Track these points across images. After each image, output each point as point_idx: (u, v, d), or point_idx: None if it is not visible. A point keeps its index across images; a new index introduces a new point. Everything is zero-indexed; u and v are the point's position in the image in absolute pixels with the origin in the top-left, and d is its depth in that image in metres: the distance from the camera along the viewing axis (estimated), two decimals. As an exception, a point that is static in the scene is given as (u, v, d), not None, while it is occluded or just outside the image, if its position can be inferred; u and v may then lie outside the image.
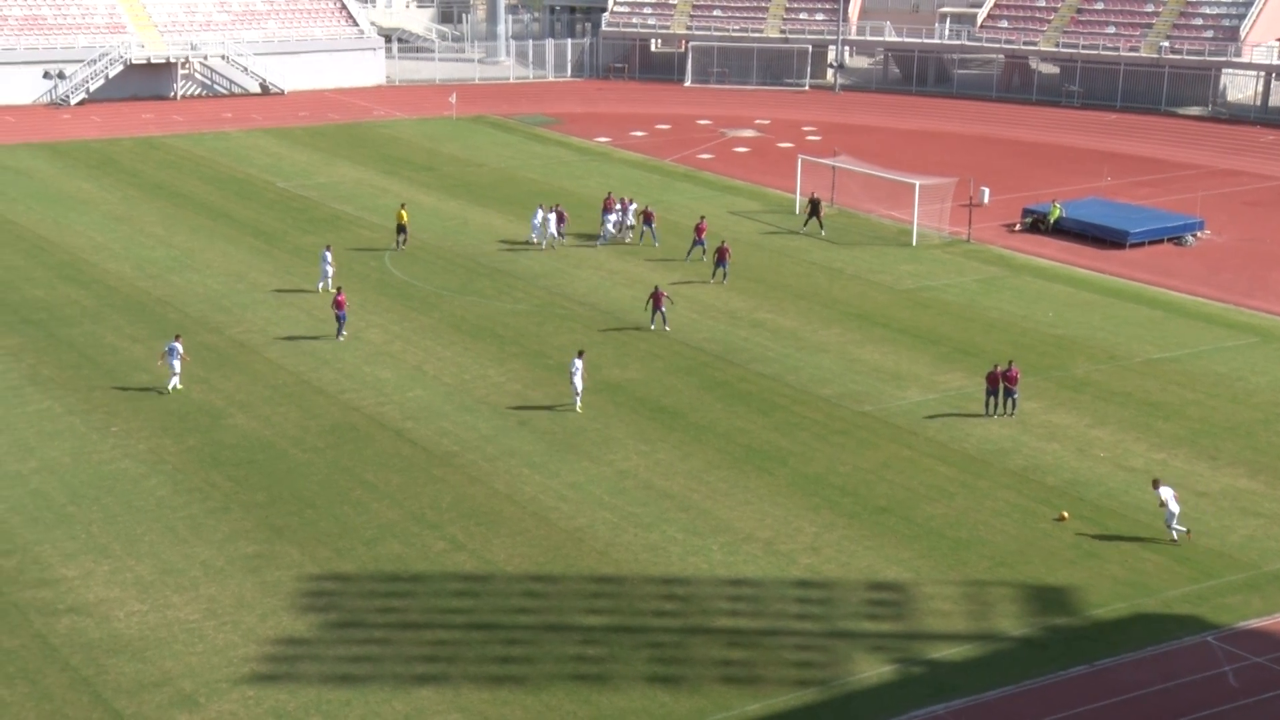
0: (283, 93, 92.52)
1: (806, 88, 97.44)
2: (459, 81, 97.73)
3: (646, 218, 56.75)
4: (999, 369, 39.26)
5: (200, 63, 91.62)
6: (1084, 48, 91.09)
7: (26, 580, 29.85)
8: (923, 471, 35.71)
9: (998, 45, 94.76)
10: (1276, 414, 39.85)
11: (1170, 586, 30.24)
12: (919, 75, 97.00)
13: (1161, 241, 58.57)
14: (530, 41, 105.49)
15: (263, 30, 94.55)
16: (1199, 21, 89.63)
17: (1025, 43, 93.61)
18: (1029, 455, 36.77)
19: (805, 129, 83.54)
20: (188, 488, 34.35)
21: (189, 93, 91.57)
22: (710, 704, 26.01)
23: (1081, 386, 41.76)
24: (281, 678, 26.62)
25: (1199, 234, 59.52)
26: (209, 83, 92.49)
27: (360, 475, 35.17)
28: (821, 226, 58.35)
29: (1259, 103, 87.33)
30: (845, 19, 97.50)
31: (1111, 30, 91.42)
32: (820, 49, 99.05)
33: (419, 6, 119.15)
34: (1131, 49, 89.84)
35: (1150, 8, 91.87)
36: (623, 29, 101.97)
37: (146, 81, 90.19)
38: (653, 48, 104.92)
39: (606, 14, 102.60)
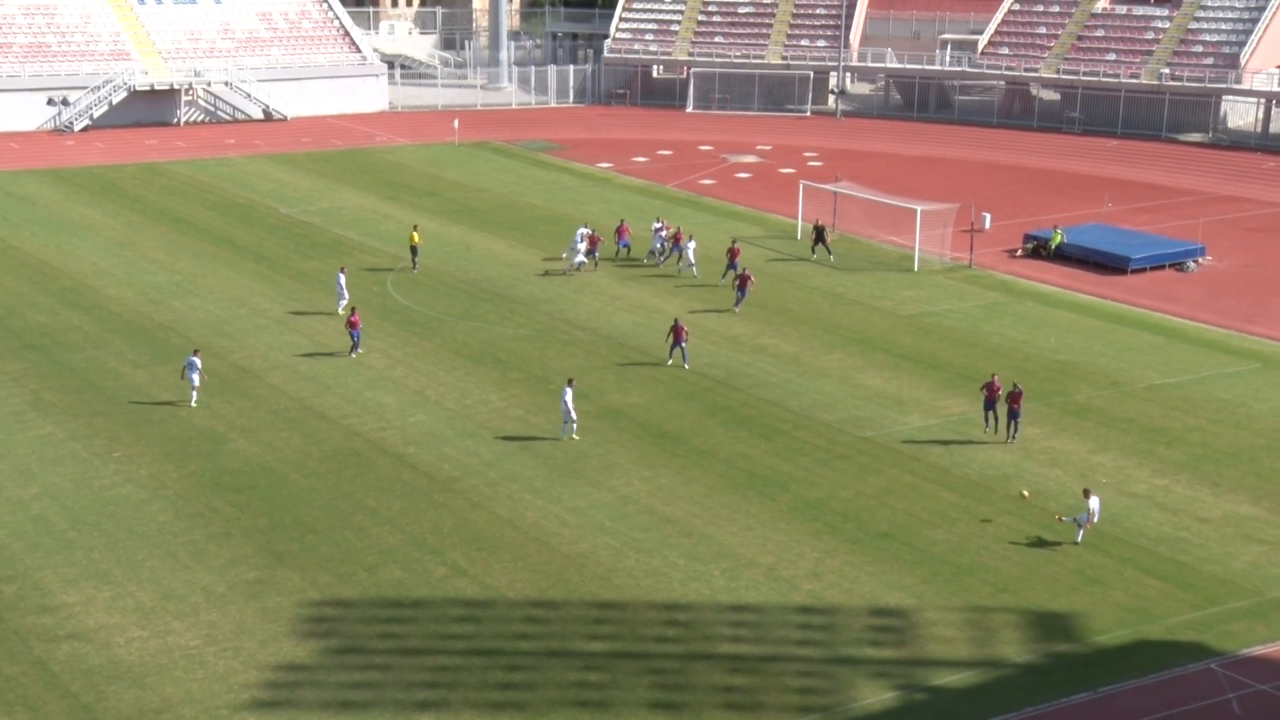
0: (286, 119, 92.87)
1: (808, 114, 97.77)
2: (461, 108, 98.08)
3: (675, 240, 56.90)
4: (996, 380, 39.25)
5: (204, 89, 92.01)
6: (1085, 74, 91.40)
7: (27, 606, 29.79)
8: (925, 497, 35.66)
9: (999, 72, 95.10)
10: (1279, 440, 39.80)
11: (1174, 613, 30.15)
12: (920, 101, 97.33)
13: (1163, 267, 58.64)
14: (533, 68, 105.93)
15: (266, 57, 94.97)
16: (1199, 49, 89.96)
17: (1026, 69, 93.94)
18: (1031, 481, 36.72)
19: (807, 155, 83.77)
20: (189, 513, 34.32)
21: (192, 119, 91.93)
22: (712, 731, 25.92)
23: (1084, 412, 41.73)
24: (282, 704, 26.54)
25: (1200, 260, 59.57)
26: (212, 109, 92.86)
27: (362, 501, 35.14)
28: (830, 252, 58.46)
29: (1259, 129, 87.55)
30: (846, 46, 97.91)
31: (1112, 57, 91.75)
32: (822, 75, 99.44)
33: (422, 33, 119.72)
34: (1132, 76, 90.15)
35: (1150, 35, 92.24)
36: (625, 55, 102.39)
37: (150, 108, 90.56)
38: (655, 74, 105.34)
39: (609, 40, 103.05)
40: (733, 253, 54.29)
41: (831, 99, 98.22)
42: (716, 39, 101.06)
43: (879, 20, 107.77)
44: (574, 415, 38.67)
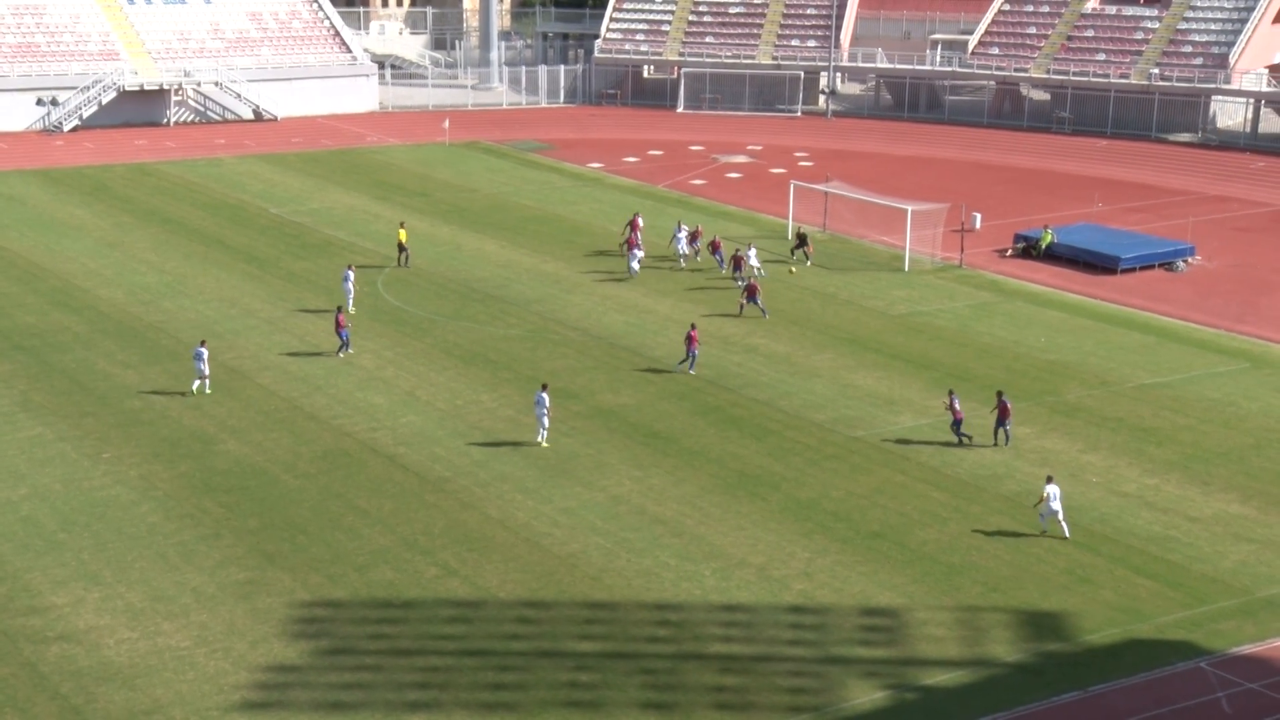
0: (276, 119, 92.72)
1: (799, 114, 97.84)
2: (452, 108, 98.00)
3: (714, 247, 56.67)
4: (1004, 399, 38.95)
5: (194, 89, 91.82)
6: (1074, 74, 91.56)
7: (16, 608, 29.71)
8: (916, 497, 35.69)
9: (989, 72, 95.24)
10: (1268, 439, 39.91)
11: (1163, 612, 30.21)
12: (910, 101, 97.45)
13: (1153, 267, 58.77)
14: (523, 68, 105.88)
15: (256, 57, 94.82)
16: (1188, 49, 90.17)
17: (1016, 69, 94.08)
18: (1021, 480, 36.77)
19: (798, 155, 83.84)
20: (179, 514, 34.25)
21: (182, 119, 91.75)
22: (703, 731, 25.92)
23: (1074, 412, 41.81)
24: (273, 705, 26.49)
25: (1190, 260, 59.71)
26: (202, 109, 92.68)
27: (352, 501, 35.09)
28: (807, 259, 58.33)
29: (1248, 129, 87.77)
30: (837, 46, 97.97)
31: (1102, 57, 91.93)
32: (812, 75, 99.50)
33: (412, 33, 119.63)
34: (1122, 76, 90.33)
35: (1140, 35, 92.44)
36: (615, 55, 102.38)
37: (140, 108, 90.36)
38: (645, 74, 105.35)
39: (599, 40, 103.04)
40: (737, 260, 54.85)
41: (822, 99, 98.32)
42: (707, 39, 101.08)
43: (869, 20, 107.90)
44: (545, 421, 38.17)
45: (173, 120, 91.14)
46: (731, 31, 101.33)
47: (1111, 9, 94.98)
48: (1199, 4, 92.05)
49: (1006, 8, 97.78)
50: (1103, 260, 58.62)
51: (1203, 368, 46.13)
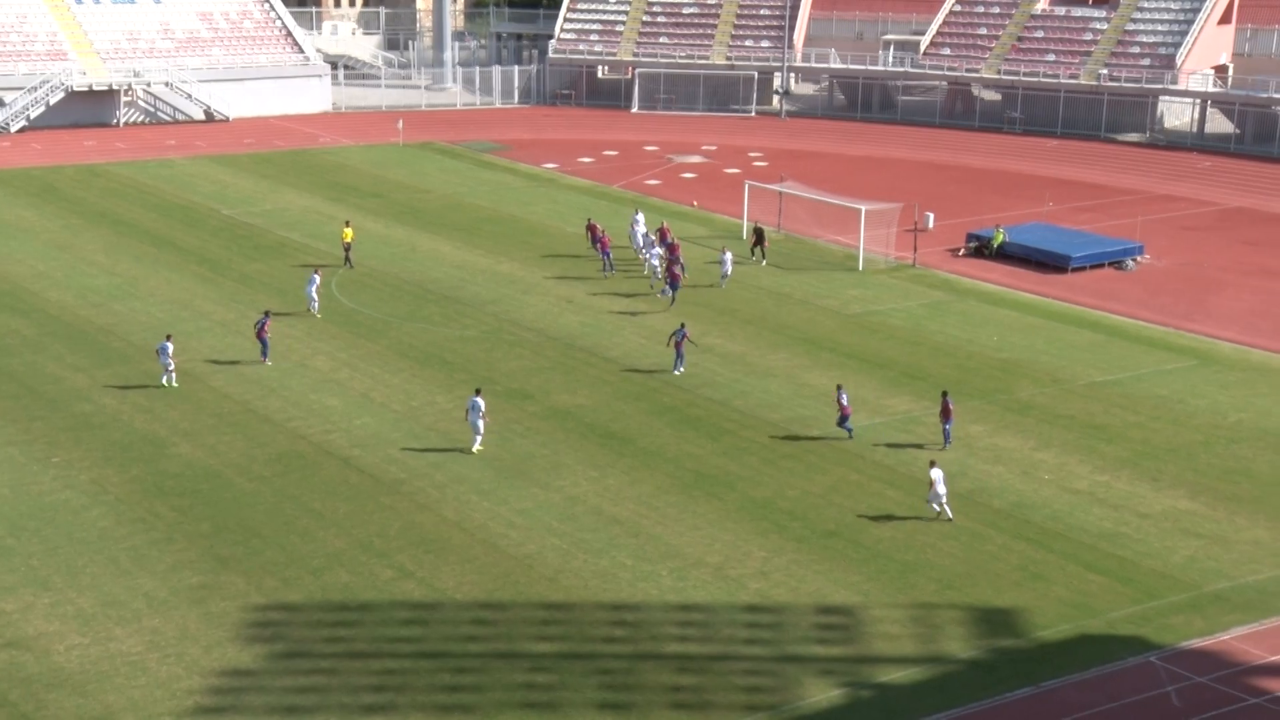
0: (227, 119, 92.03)
1: (753, 114, 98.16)
2: (406, 108, 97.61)
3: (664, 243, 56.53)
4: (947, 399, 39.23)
5: (144, 90, 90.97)
6: (1025, 75, 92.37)
7: (-35, 614, 29.35)
8: (870, 495, 35.91)
9: (940, 72, 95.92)
10: (1215, 436, 40.44)
11: (1114, 608, 30.55)
12: (864, 102, 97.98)
13: (1103, 266, 59.39)
14: (477, 68, 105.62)
15: (207, 57, 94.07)
16: (1136, 50, 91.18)
17: (967, 70, 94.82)
18: (975, 478, 37.07)
19: (752, 155, 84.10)
20: (131, 518, 33.93)
21: (132, 120, 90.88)
22: (660, 730, 25.97)
23: (1026, 410, 42.19)
24: (226, 710, 26.31)
25: (1139, 258, 60.39)
26: (152, 110, 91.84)
27: (307, 504, 34.90)
28: (764, 256, 58.62)
29: (1195, 129, 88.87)
30: (790, 46, 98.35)
31: (1051, 58, 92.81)
32: (766, 76, 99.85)
33: (365, 33, 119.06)
34: (1071, 76, 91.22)
35: (1089, 36, 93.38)
36: (570, 56, 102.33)
37: (89, 109, 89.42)
38: (600, 74, 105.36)
39: (553, 41, 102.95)
40: (664, 232, 56.66)
41: (776, 99, 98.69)
42: (661, 39, 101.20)
43: (822, 21, 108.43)
44: (480, 427, 37.69)
45: (122, 121, 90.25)
46: (685, 32, 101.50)
47: (1061, 10, 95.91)
48: (1146, 5, 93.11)
49: (958, 9, 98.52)
50: (1054, 259, 59.19)
51: (1152, 365, 46.67)
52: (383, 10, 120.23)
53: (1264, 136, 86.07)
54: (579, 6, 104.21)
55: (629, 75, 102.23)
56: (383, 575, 31.39)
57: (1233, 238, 65.33)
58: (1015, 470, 37.59)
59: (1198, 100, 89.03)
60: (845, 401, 39.11)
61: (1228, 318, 52.32)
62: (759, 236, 59.36)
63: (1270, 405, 42.84)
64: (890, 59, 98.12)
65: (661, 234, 57.54)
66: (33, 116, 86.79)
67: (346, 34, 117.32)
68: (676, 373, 44.30)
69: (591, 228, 58.34)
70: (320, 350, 46.34)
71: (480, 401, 37.80)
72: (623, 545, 32.98)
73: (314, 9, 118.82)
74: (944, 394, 39.55)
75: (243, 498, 35.16)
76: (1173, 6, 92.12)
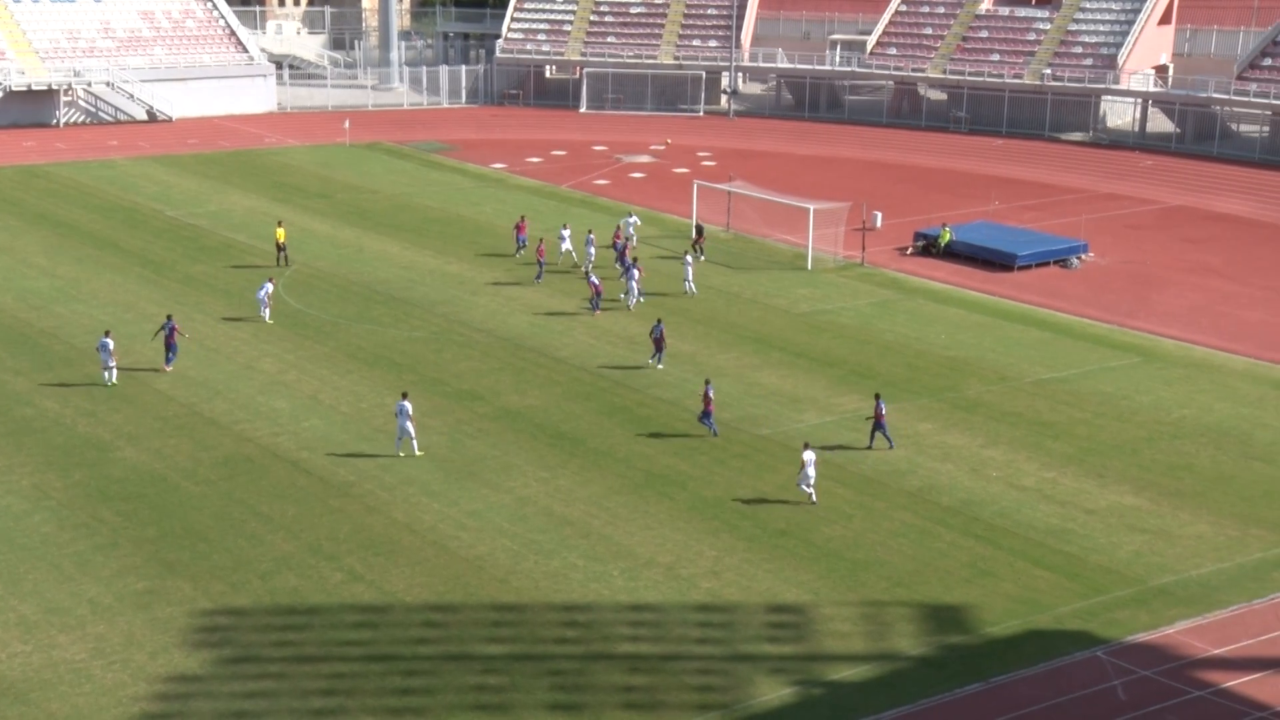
0: (171, 120, 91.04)
1: (701, 113, 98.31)
2: (352, 108, 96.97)
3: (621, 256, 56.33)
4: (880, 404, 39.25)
5: (84, 89, 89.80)
6: (970, 75, 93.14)
7: (-96, 623, 28.82)
8: (820, 493, 36.01)
9: (887, 72, 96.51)
10: (1159, 432, 40.93)
11: (1061, 603, 30.83)
12: (811, 101, 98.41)
13: (1048, 264, 59.95)
14: (424, 68, 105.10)
15: (149, 57, 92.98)
16: (1079, 49, 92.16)
17: (913, 70, 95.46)
18: (924, 476, 37.30)
19: (700, 154, 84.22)
20: (74, 523, 33.45)
21: (73, 120, 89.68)
22: (613, 731, 25.92)
23: (974, 407, 42.51)
24: (173, 716, 25.99)
25: (1083, 256, 61.02)
26: (94, 110, 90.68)
27: (255, 507, 34.55)
28: (701, 252, 58.74)
29: (1137, 129, 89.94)
30: (738, 46, 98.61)
31: (996, 58, 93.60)
32: (714, 75, 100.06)
33: (310, 33, 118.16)
34: (1015, 76, 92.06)
35: (1032, 36, 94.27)
36: (517, 55, 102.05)
37: (27, 109, 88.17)
38: (548, 74, 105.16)
39: (500, 40, 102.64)
40: (520, 228, 57.40)
41: (724, 99, 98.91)
42: (609, 39, 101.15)
43: (769, 21, 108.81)
44: (411, 430, 37.21)
45: (62, 121, 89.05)
46: (633, 32, 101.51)
47: (1005, 10, 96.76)
48: (1088, 5, 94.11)
49: (903, 9, 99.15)
50: (1000, 257, 59.69)
51: (1097, 362, 47.17)
52: (328, 9, 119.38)
53: (1204, 136, 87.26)
54: (526, 6, 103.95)
55: (577, 75, 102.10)
56: (332, 578, 31.14)
57: (1174, 236, 66.19)
58: (964, 468, 37.86)
59: (1139, 100, 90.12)
60: (711, 395, 39.13)
61: (1170, 315, 52.98)
62: (699, 233, 59.77)
63: (1212, 401, 43.42)
64: (837, 59, 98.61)
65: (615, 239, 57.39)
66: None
67: (291, 33, 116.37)
68: (659, 366, 44.58)
69: (519, 226, 58.45)
70: (268, 352, 45.91)
71: (407, 405, 37.30)
72: (574, 546, 32.90)
73: (258, 8, 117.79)
74: (876, 396, 39.61)
75: (189, 502, 34.76)
76: (1114, 7, 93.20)
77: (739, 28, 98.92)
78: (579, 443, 39.01)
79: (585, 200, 71.17)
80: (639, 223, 60.24)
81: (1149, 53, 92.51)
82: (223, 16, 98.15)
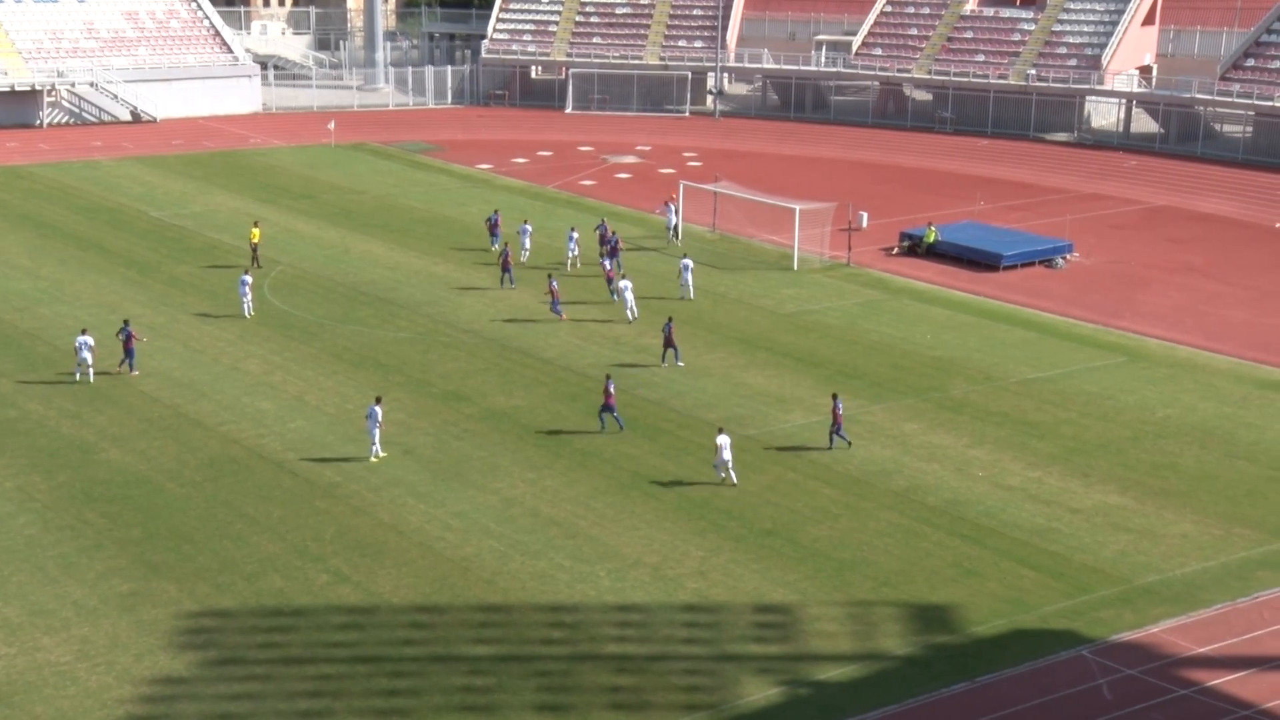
0: (155, 120, 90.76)
1: (687, 114, 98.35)
2: (337, 109, 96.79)
3: (609, 243, 56.12)
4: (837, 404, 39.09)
5: (68, 90, 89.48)
6: (955, 75, 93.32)
7: (-113, 626, 28.69)
8: (807, 494, 36.08)
9: (872, 72, 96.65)
10: (1144, 431, 41.07)
11: (1047, 602, 30.92)
12: (797, 102, 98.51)
13: (1033, 264, 60.11)
14: (409, 68, 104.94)
15: (133, 57, 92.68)
16: (1063, 50, 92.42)
17: (899, 70, 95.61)
18: (910, 476, 37.38)
19: (686, 155, 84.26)
20: (58, 525, 33.34)
21: (56, 121, 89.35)
22: (600, 732, 25.92)
23: (960, 407, 42.60)
24: (159, 719, 25.91)
25: (1069, 256, 61.19)
26: (77, 110, 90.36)
27: (240, 509, 34.47)
28: (677, 236, 59.62)
29: (1121, 129, 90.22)
30: (723, 46, 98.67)
31: (981, 59, 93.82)
32: (700, 76, 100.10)
33: (295, 33, 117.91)
34: (1000, 76, 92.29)
35: (1017, 36, 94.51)
36: (503, 56, 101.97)
37: (10, 109, 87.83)
38: (533, 74, 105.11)
39: (486, 41, 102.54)
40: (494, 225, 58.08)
41: (709, 99, 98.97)
42: (595, 39, 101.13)
43: (755, 21, 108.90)
44: (377, 436, 36.86)
45: (46, 122, 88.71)
46: (619, 32, 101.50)
47: (989, 11, 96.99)
48: (1072, 6, 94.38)
49: (888, 9, 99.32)
50: (985, 258, 59.83)
51: (1082, 362, 47.31)
52: (313, 10, 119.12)
53: (1187, 136, 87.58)
54: (511, 6, 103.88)
55: (562, 75, 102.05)
56: (318, 580, 31.08)
57: (1158, 235, 66.42)
58: (949, 467, 37.94)
59: (1123, 100, 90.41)
60: (612, 390, 39.40)
61: (1154, 315, 53.17)
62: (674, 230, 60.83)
63: (1196, 400, 43.59)
64: (823, 59, 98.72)
65: (602, 235, 57.50)
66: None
67: (276, 34, 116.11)
68: (680, 364, 45.10)
69: (492, 221, 58.68)
70: (253, 353, 45.80)
71: (378, 410, 37.05)
72: (560, 546, 32.89)
73: (242, 8, 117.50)
74: (834, 396, 39.29)
75: (174, 503, 34.66)
76: (1098, 8, 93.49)
77: (724, 28, 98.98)
78: (565, 443, 39.00)
79: (571, 201, 71.14)
80: (578, 236, 58.35)
81: (1133, 53, 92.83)
82: (207, 17, 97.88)
